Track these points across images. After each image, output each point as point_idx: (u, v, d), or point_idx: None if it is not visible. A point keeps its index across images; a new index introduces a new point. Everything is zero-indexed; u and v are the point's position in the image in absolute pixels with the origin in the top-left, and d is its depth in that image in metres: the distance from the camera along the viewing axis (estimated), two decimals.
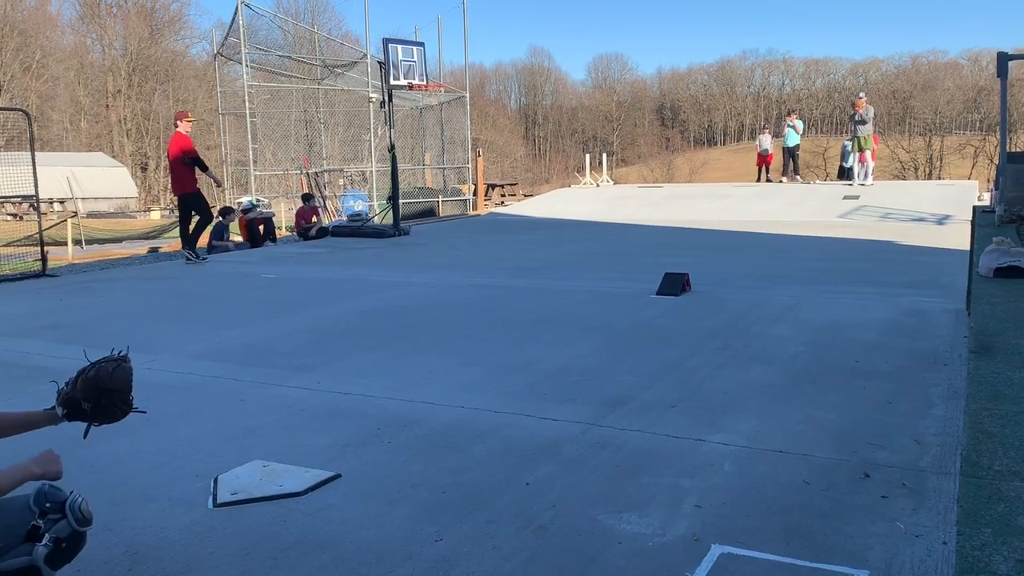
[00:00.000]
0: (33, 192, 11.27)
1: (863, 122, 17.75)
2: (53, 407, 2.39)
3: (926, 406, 4.14)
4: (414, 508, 3.09)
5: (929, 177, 62.21)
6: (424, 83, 15.82)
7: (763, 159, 21.90)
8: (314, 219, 16.55)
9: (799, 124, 21.13)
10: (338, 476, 3.41)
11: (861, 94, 19.03)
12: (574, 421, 4.05)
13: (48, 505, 2.19)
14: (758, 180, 21.86)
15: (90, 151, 55.45)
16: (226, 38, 26.06)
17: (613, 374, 4.95)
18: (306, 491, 3.26)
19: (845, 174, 20.28)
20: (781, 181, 20.95)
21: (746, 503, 3.04)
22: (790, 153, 21.22)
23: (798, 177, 21.27)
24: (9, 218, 29.42)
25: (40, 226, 11.78)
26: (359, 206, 20.62)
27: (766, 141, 21.99)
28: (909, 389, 4.45)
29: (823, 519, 2.89)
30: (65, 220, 19.00)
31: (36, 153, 11.24)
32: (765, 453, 3.55)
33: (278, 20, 29.70)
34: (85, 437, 2.47)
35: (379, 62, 15.95)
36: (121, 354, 2.47)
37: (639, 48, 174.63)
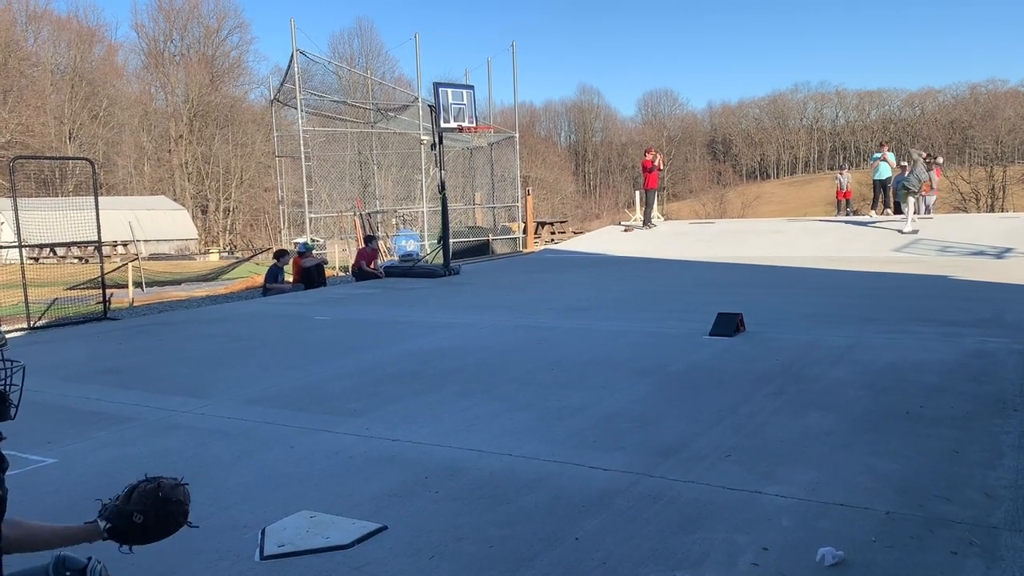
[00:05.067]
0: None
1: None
2: (95, 520, 2.27)
3: (996, 456, 3.95)
4: (461, 564, 3.03)
5: (991, 209, 60.60)
6: (473, 125, 15.98)
7: (842, 194, 23.23)
8: (373, 265, 16.55)
9: (891, 157, 20.74)
10: (384, 528, 3.38)
11: (940, 159, 18.43)
12: (625, 471, 3.95)
13: (68, 574, 2.17)
14: (838, 213, 22.94)
15: (153, 194, 57.25)
16: (282, 84, 26.77)
17: (665, 420, 4.84)
18: (352, 544, 3.23)
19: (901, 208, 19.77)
20: (870, 215, 20.21)
21: (805, 561, 2.91)
22: (882, 186, 20.67)
23: (888, 210, 20.47)
24: (75, 261, 30.39)
25: (102, 270, 12.12)
26: (411, 246, 20.85)
27: (844, 178, 23.31)
28: (977, 437, 4.25)
29: None
30: (126, 264, 19.54)
31: (101, 197, 11.60)
32: (825, 507, 3.41)
33: (332, 66, 30.46)
34: (129, 550, 2.32)
35: (429, 105, 16.20)
36: (181, 480, 2.40)
37: (689, 83, 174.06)
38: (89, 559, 2.20)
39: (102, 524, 2.23)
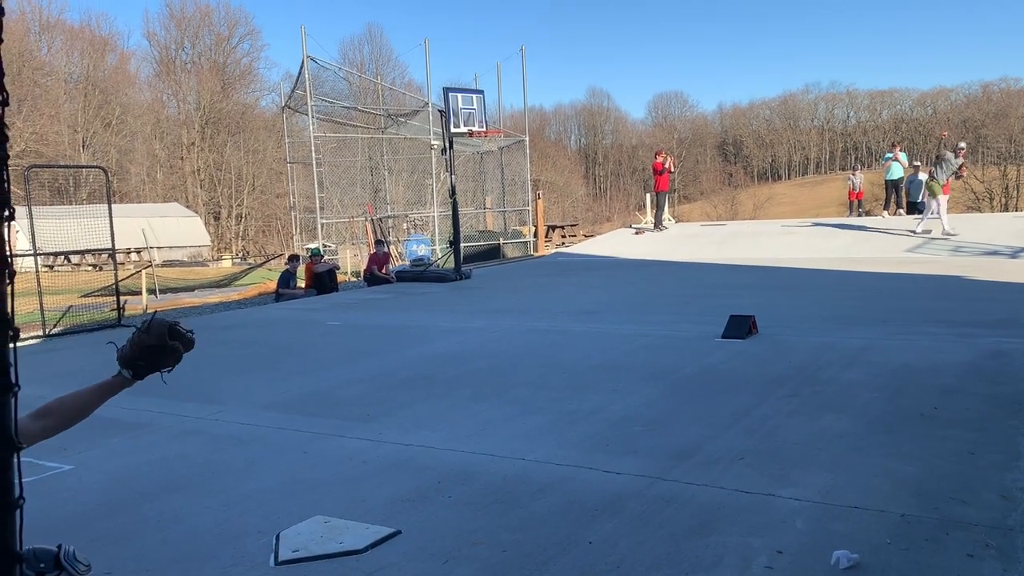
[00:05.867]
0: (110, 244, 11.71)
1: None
2: (119, 372, 2.45)
3: (1012, 457, 3.93)
4: (475, 568, 3.03)
5: (1005, 208, 60.18)
6: (483, 130, 16.04)
7: (855, 195, 23.25)
8: (384, 270, 16.59)
9: (903, 157, 20.66)
10: (398, 533, 3.38)
11: (962, 144, 18.20)
12: (638, 475, 3.95)
13: (42, 565, 2.19)
14: (850, 213, 22.90)
15: (165, 201, 57.54)
16: (293, 90, 26.91)
17: (678, 424, 4.83)
18: (366, 548, 3.24)
19: (915, 208, 19.66)
20: (883, 216, 20.14)
21: (820, 564, 2.90)
22: (894, 186, 20.62)
23: (901, 211, 20.40)
24: (89, 268, 30.60)
25: (116, 277, 12.20)
26: (422, 250, 20.89)
27: (857, 179, 23.33)
28: (992, 438, 4.23)
29: None
30: (140, 271, 19.66)
31: (114, 205, 11.69)
32: (839, 509, 3.39)
33: (343, 72, 30.56)
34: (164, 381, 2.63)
35: (440, 110, 16.26)
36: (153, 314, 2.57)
37: (699, 85, 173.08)
38: (59, 547, 2.21)
39: (126, 374, 2.44)
